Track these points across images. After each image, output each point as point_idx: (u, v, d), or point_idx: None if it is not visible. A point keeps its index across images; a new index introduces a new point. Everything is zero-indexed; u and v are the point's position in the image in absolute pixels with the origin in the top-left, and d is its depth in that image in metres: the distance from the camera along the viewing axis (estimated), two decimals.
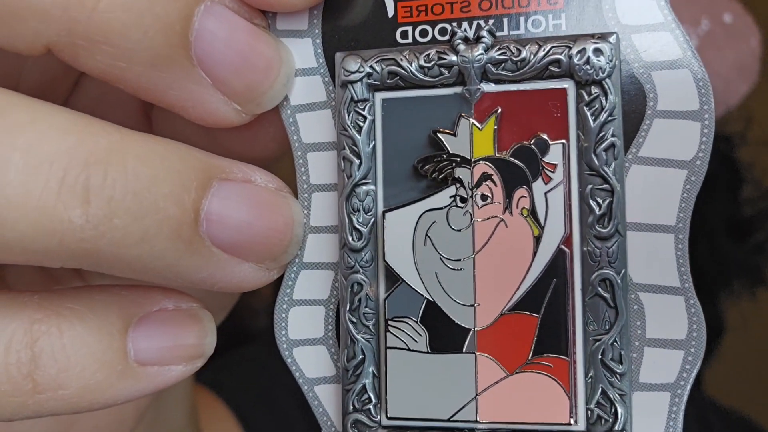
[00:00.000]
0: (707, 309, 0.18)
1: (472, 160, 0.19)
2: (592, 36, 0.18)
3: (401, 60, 0.19)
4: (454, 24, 0.19)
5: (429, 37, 0.20)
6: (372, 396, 0.19)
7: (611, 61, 0.18)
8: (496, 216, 0.18)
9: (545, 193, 0.18)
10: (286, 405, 0.44)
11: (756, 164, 0.68)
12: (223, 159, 0.19)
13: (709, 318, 0.18)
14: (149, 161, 0.17)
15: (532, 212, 0.18)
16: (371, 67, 0.19)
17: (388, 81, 0.19)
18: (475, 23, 0.19)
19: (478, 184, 0.19)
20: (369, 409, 0.19)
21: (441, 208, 0.19)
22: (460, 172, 0.19)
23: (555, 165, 0.18)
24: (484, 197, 0.19)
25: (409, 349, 0.19)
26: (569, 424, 0.18)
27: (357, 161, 0.19)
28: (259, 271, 0.19)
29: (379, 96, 0.19)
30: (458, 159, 0.19)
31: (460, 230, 0.19)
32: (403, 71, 0.19)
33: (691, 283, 0.18)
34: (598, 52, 0.18)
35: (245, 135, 0.22)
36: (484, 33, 0.19)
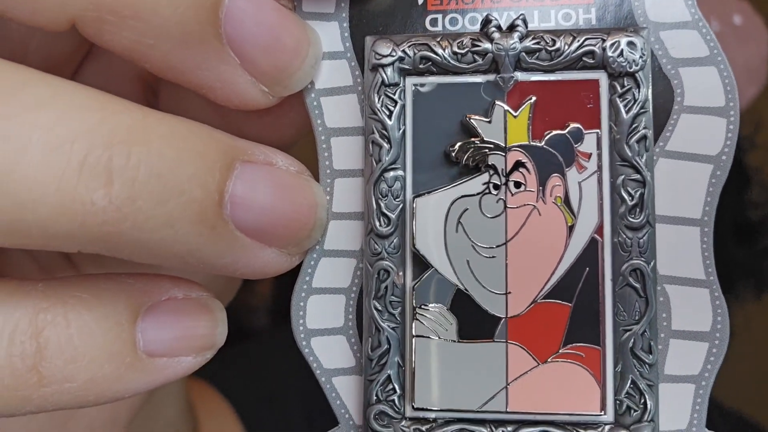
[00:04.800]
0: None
1: (507, 147, 0.18)
2: (626, 29, 0.19)
3: (434, 45, 0.19)
4: (485, 14, 0.19)
5: (459, 26, 0.20)
6: (397, 387, 0.19)
7: (644, 54, 0.18)
8: (529, 204, 0.18)
9: (579, 183, 0.18)
10: (286, 399, 0.43)
11: (764, 168, 0.66)
12: (244, 141, 0.18)
13: None
14: (173, 142, 0.16)
15: (566, 201, 0.18)
16: (403, 51, 0.19)
17: (419, 66, 0.19)
18: (505, 14, 0.19)
19: (512, 171, 0.18)
20: (393, 400, 0.19)
21: (473, 195, 0.18)
22: (494, 159, 0.18)
23: (589, 154, 0.18)
24: (517, 184, 0.18)
25: (437, 338, 0.18)
26: (600, 414, 0.18)
27: (386, 146, 0.19)
28: (281, 257, 0.19)
29: (410, 81, 0.19)
30: (492, 145, 0.18)
31: (492, 217, 0.18)
32: (436, 57, 0.19)
33: (716, 276, 0.19)
34: (631, 45, 0.18)
35: (262, 120, 0.21)
36: (519, 22, 0.19)
